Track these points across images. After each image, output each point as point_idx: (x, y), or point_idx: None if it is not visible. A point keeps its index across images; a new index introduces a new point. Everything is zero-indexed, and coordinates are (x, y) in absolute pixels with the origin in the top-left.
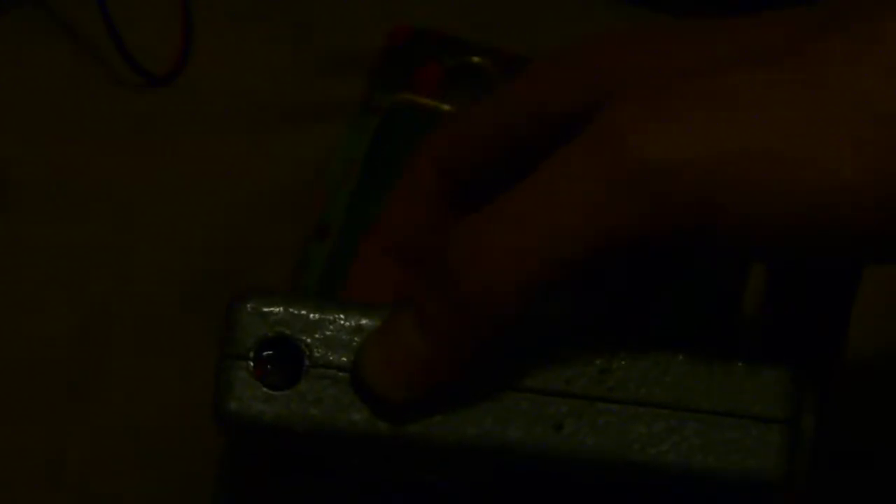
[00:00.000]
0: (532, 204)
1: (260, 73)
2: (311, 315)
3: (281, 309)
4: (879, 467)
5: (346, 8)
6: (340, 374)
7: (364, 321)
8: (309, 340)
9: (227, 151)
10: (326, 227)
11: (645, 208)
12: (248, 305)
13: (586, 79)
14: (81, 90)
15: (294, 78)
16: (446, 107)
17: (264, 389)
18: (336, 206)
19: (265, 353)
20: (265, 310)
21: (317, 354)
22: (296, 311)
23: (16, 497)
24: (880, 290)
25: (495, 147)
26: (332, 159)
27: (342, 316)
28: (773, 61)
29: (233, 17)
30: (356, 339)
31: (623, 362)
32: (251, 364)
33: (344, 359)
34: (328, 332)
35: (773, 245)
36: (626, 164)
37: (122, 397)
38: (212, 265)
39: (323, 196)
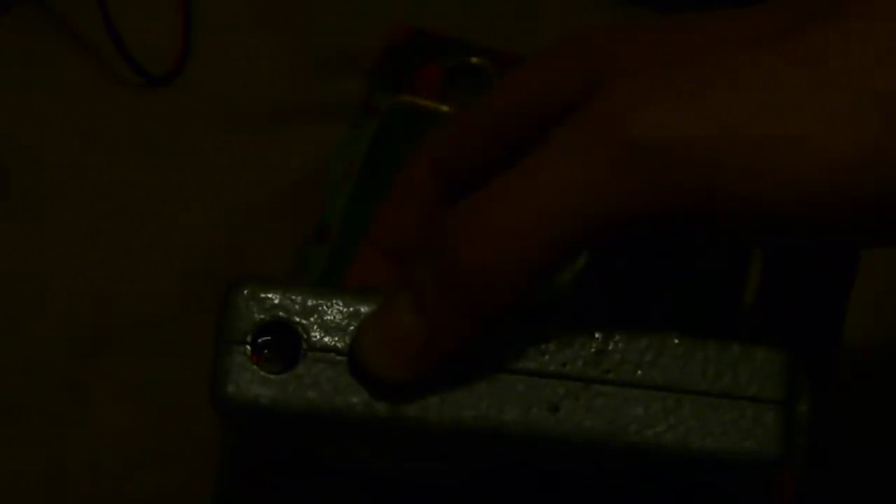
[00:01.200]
0: (531, 183)
1: (260, 73)
2: (308, 300)
3: (277, 294)
4: (879, 466)
5: (345, 8)
6: (338, 357)
7: (361, 306)
8: (306, 324)
9: (226, 151)
10: (326, 228)
11: (644, 187)
12: (245, 291)
13: (581, 67)
14: (81, 90)
15: (294, 78)
16: (445, 108)
17: (261, 373)
18: (335, 207)
19: (262, 338)
20: (262, 295)
21: (314, 338)
22: (292, 296)
23: (16, 498)
24: (879, 285)
25: (493, 144)
26: (331, 160)
27: (339, 301)
28: (772, 44)
29: (233, 16)
30: (353, 323)
31: (619, 344)
32: (248, 349)
33: (341, 343)
34: (325, 317)
35: (772, 224)
36: (626, 141)
37: (122, 397)
38: (211, 265)
39: (322, 197)
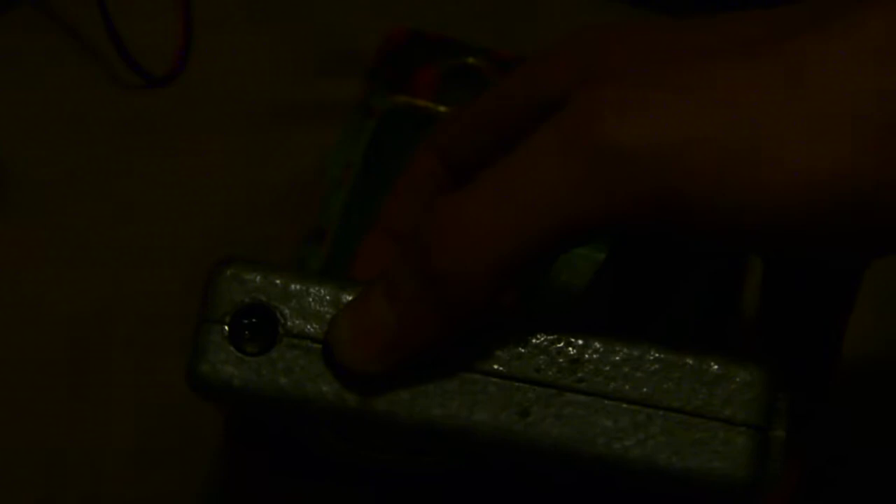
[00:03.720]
0: (506, 182)
1: (259, 74)
2: (290, 285)
3: (259, 276)
4: (879, 466)
5: (345, 9)
6: (313, 344)
7: (342, 294)
8: (285, 309)
9: (226, 151)
10: (323, 229)
11: (617, 189)
12: (228, 272)
13: (575, 65)
14: (81, 90)
15: (293, 78)
16: (443, 108)
17: (237, 354)
18: (333, 209)
19: (243, 321)
20: (244, 276)
21: (291, 324)
22: (274, 280)
23: (16, 497)
24: (879, 286)
25: (495, 138)
26: (328, 161)
27: (320, 288)
28: (751, 56)
29: (233, 17)
30: (332, 311)
31: (595, 354)
32: (226, 329)
33: (318, 330)
34: (305, 303)
35: (745, 234)
36: (599, 144)
37: (122, 396)
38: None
39: (320, 198)
